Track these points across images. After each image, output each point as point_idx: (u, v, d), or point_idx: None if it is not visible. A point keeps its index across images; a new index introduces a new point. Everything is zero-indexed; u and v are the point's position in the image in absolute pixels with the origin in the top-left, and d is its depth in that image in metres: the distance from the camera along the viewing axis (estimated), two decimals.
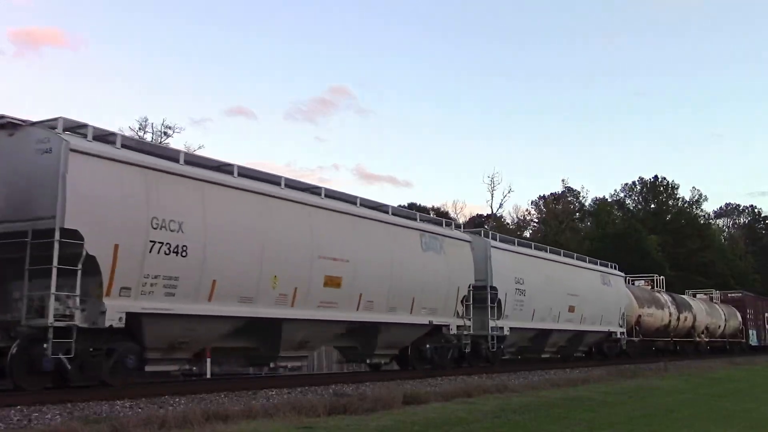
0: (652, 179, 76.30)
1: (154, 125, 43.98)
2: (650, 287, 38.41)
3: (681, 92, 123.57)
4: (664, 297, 37.01)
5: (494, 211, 64.71)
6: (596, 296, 27.59)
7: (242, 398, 11.59)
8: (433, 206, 69.07)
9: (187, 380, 14.54)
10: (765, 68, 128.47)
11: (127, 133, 42.90)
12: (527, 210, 72.46)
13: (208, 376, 15.78)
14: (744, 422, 10.88)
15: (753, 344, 49.58)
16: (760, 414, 12.13)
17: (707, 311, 42.24)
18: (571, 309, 25.43)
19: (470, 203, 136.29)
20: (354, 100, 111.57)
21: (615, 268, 30.72)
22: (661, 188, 75.91)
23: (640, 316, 32.54)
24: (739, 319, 48.04)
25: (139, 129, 43.42)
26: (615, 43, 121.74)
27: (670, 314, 36.06)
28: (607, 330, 28.76)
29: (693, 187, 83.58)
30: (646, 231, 61.40)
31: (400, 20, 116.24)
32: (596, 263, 29.10)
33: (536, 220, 71.47)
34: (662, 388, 16.35)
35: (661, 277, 40.40)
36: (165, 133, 43.96)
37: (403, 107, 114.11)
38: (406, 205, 68.79)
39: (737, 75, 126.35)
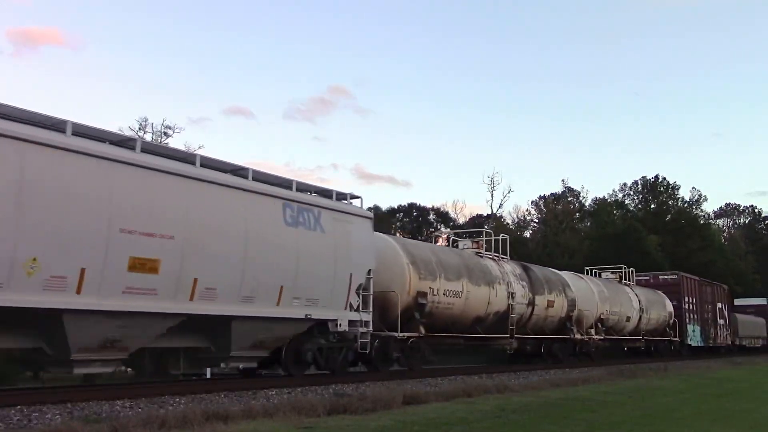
0: (652, 179, 76.37)
1: (153, 125, 43.96)
2: (477, 250, 22.60)
3: (681, 92, 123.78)
4: (504, 267, 22.31)
5: (494, 211, 64.72)
6: (260, 246, 13.12)
7: (242, 398, 11.59)
8: (432, 206, 69.20)
9: (187, 380, 14.54)
10: (765, 68, 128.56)
11: (127, 133, 43.05)
12: (527, 210, 72.47)
13: (208, 376, 15.79)
14: (744, 422, 10.88)
15: (695, 344, 37.67)
16: (761, 414, 12.13)
17: (605, 296, 28.67)
18: (149, 267, 11.36)
19: (470, 203, 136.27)
20: (353, 100, 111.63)
21: (355, 203, 16.21)
22: (662, 188, 75.95)
23: (423, 294, 18.05)
24: (669, 309, 35.18)
25: (139, 129, 43.41)
26: (615, 44, 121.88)
27: (511, 295, 21.69)
28: (303, 316, 14.11)
29: (693, 188, 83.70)
30: (645, 231, 61.39)
31: (399, 20, 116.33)
32: (289, 186, 14.45)
33: (536, 220, 71.44)
34: (662, 388, 16.35)
35: (505, 236, 24.66)
36: (165, 133, 43.97)
37: (402, 107, 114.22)
38: (406, 205, 68.94)
39: (737, 75, 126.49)
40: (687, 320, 36.95)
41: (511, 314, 21.79)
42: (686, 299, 37.45)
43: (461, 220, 68.12)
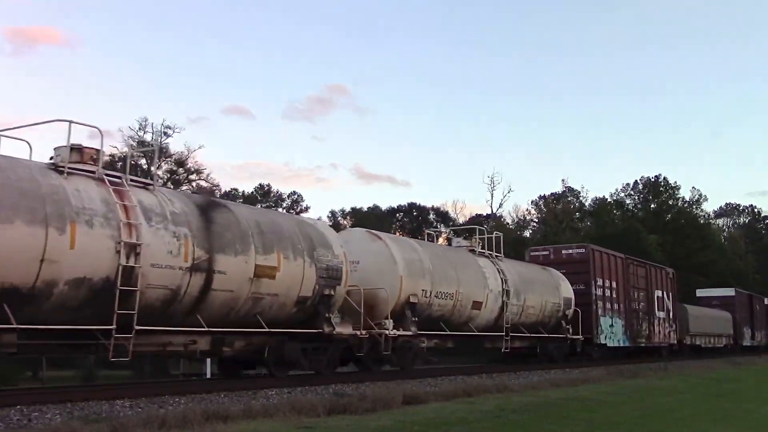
0: (652, 179, 76.42)
1: (154, 125, 44.02)
2: (50, 162, 11.27)
3: (681, 92, 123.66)
4: (125, 198, 11.48)
5: (494, 211, 64.75)
6: None
7: (242, 398, 11.59)
8: (432, 206, 69.27)
9: (187, 380, 14.55)
10: (765, 68, 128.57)
11: (127, 133, 43.08)
12: (527, 210, 72.53)
13: (208, 376, 15.82)
14: (744, 422, 10.89)
15: (613, 344, 27.53)
16: (761, 414, 12.14)
17: (421, 268, 18.17)
18: None
19: (470, 203, 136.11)
20: (352, 99, 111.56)
21: None
22: (662, 188, 75.99)
23: None
24: (567, 294, 24.73)
25: (139, 129, 43.51)
26: (615, 43, 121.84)
27: (132, 250, 11.27)
28: None
29: (693, 187, 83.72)
30: (645, 231, 61.41)
31: (398, 19, 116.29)
32: None
33: (536, 220, 71.50)
34: (662, 388, 16.37)
35: (149, 147, 12.57)
36: (165, 133, 44.05)
37: (401, 106, 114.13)
38: (406, 205, 68.96)
39: (738, 74, 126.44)
40: (600, 311, 26.74)
41: (121, 285, 11.09)
42: (599, 282, 27.13)
43: (461, 220, 68.22)
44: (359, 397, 11.13)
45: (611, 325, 27.71)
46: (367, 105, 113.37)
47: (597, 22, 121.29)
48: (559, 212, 67.02)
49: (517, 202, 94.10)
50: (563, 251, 28.16)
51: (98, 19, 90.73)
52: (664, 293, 33.65)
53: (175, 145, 58.32)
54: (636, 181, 77.15)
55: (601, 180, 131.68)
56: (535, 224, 70.92)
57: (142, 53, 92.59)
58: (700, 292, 47.66)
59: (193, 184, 44.71)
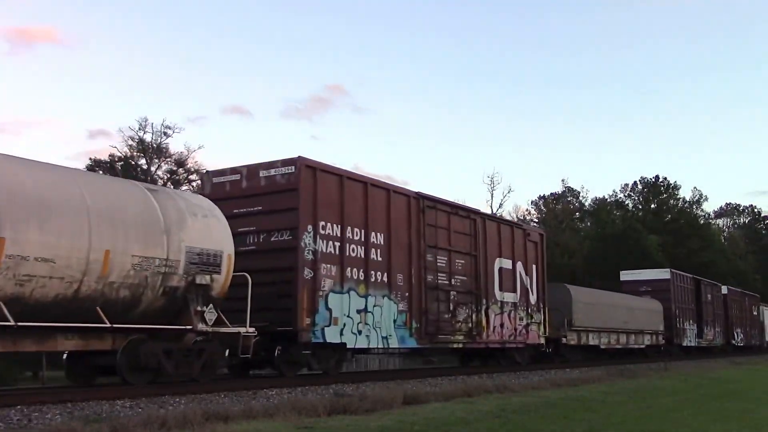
0: (653, 179, 76.45)
1: (153, 125, 44.02)
2: None
3: (681, 91, 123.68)
4: None
5: (494, 211, 64.67)
6: None
7: (242, 398, 11.58)
8: None
9: (187, 380, 14.53)
10: (766, 67, 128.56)
11: (127, 133, 43.11)
12: (527, 210, 72.51)
13: None
14: (744, 422, 10.87)
15: (370, 344, 15.82)
16: (761, 414, 12.12)
17: None
18: None
19: (470, 203, 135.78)
20: (351, 99, 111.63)
21: None
22: (662, 188, 76.03)
23: None
24: (208, 244, 12.15)
25: (139, 129, 43.52)
26: (615, 43, 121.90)
27: None
28: None
29: (694, 187, 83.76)
30: (645, 231, 61.42)
31: (397, 18, 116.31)
32: None
33: (536, 220, 71.48)
34: (662, 388, 16.36)
35: None
36: (165, 133, 44.06)
37: (400, 106, 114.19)
38: None
39: (738, 74, 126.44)
40: (325, 282, 14.62)
41: None
42: (328, 228, 14.96)
43: None
44: (360, 397, 11.12)
45: (365, 311, 15.60)
46: (365, 104, 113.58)
47: (597, 22, 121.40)
48: (559, 212, 67.04)
49: (517, 202, 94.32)
50: (262, 173, 15.20)
51: (98, 19, 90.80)
52: (520, 265, 21.95)
53: (175, 145, 58.40)
54: (636, 181, 77.28)
55: (601, 180, 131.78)
56: (535, 224, 70.96)
57: (142, 53, 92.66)
58: (625, 275, 36.87)
59: (193, 184, 44.70)
